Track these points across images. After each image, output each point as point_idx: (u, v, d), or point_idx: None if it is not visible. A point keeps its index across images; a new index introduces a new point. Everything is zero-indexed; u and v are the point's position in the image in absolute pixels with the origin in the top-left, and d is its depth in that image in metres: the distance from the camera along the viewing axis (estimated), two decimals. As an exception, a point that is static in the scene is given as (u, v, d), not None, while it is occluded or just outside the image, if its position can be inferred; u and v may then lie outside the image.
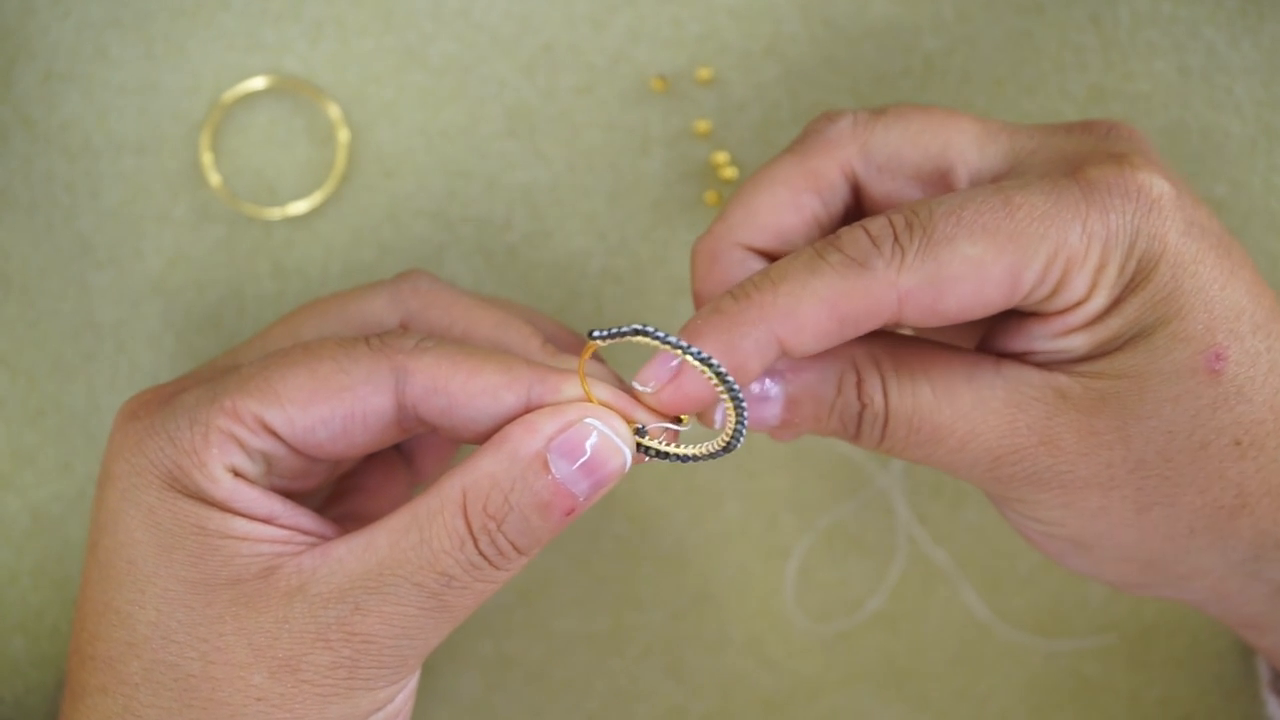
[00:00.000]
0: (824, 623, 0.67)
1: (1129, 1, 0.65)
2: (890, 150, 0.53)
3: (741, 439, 0.50)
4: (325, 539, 0.50)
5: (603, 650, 0.67)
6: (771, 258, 0.54)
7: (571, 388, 0.50)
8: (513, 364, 0.50)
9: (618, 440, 0.49)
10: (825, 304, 0.49)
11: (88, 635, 0.50)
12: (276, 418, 0.49)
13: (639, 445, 0.50)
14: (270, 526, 0.49)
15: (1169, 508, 0.51)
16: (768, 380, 0.51)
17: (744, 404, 0.49)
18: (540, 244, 0.66)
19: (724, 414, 0.50)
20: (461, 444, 0.60)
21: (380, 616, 0.48)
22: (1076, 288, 0.49)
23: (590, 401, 0.49)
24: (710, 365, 0.48)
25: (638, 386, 0.50)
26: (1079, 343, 0.50)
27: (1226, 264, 0.50)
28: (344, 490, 0.58)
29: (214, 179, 0.65)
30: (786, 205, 0.53)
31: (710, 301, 0.50)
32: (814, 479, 0.67)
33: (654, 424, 0.50)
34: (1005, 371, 0.51)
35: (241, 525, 0.49)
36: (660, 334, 0.48)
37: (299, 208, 0.65)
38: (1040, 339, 0.51)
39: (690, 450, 0.50)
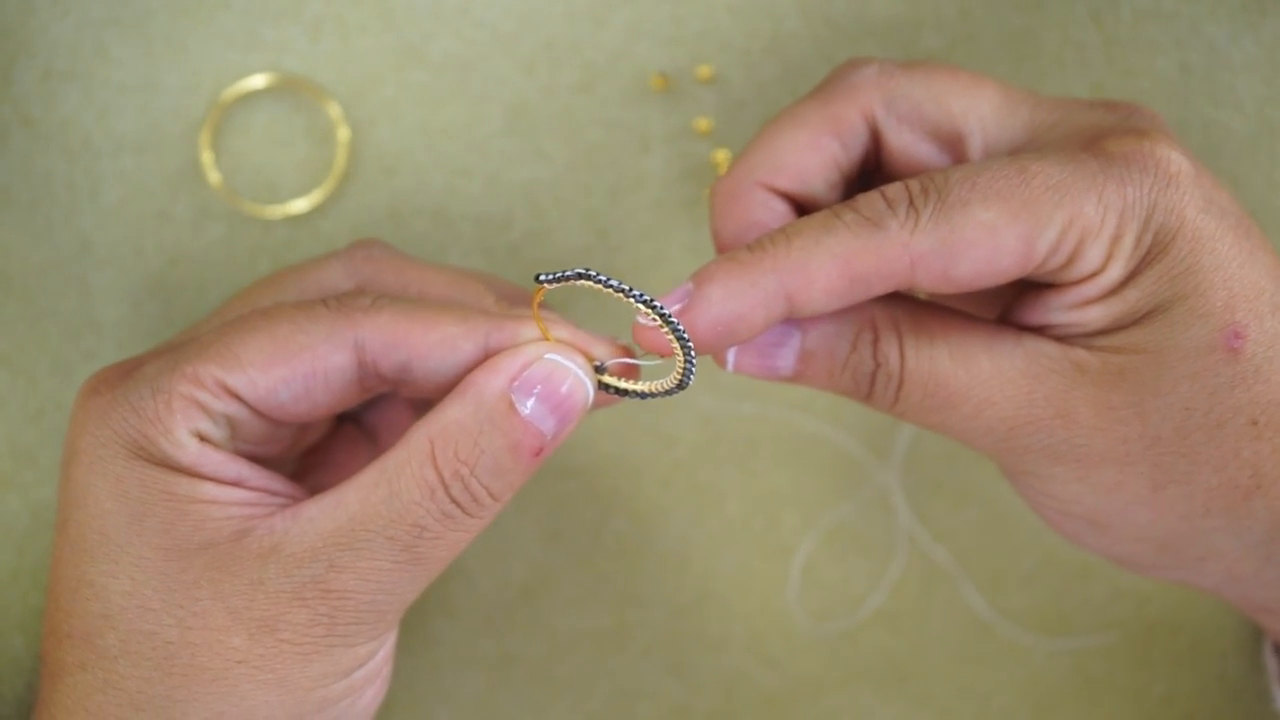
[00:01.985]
0: (826, 621, 0.67)
1: (1130, -2, 0.66)
2: (912, 103, 0.53)
3: (691, 378, 0.50)
4: (295, 499, 0.50)
5: (605, 648, 0.67)
6: (791, 199, 0.54)
7: (528, 331, 0.50)
8: (469, 314, 0.50)
9: (579, 372, 0.49)
10: (838, 260, 0.49)
11: (62, 613, 0.50)
12: (238, 380, 0.50)
13: (598, 383, 0.51)
14: (239, 489, 0.49)
15: (1184, 486, 0.51)
16: (786, 327, 0.52)
17: (690, 344, 0.49)
18: (541, 242, 0.66)
19: (735, 347, 0.51)
20: (421, 405, 0.61)
21: (355, 572, 0.48)
22: (1092, 258, 0.49)
23: (547, 339, 0.50)
24: (653, 307, 0.48)
25: (641, 321, 0.50)
26: (1096, 315, 0.50)
27: (1246, 244, 0.50)
28: (308, 466, 0.59)
29: (214, 177, 0.65)
30: (807, 147, 0.53)
31: (729, 252, 0.51)
32: (815, 477, 0.66)
33: (612, 360, 0.51)
34: (1025, 342, 0.51)
35: (210, 489, 0.49)
36: (603, 278, 0.48)
37: (299, 206, 0.65)
38: (1057, 311, 0.51)
39: (644, 387, 0.51)
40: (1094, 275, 0.50)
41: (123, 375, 0.51)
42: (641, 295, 0.48)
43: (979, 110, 0.53)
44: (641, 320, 0.50)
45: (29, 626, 0.65)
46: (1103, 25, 0.66)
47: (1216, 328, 0.49)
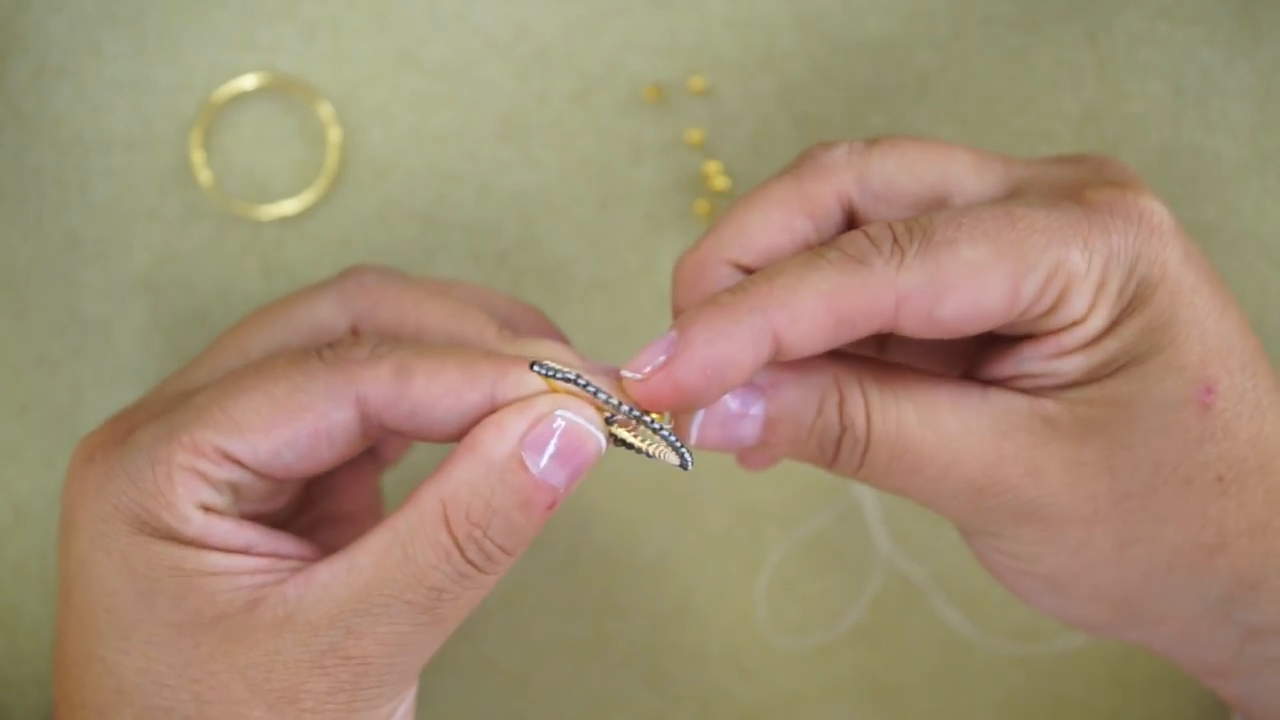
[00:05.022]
0: (802, 636, 0.67)
1: (1125, 22, 0.65)
2: (886, 178, 0.52)
3: (690, 464, 0.49)
4: (305, 560, 0.49)
5: (582, 658, 0.67)
6: None
7: (534, 380, 0.48)
8: (473, 361, 0.49)
9: (590, 427, 0.48)
10: (823, 298, 0.48)
11: (74, 684, 0.49)
12: (239, 447, 0.48)
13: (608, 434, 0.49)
14: (248, 557, 0.48)
15: (1150, 544, 0.50)
16: (748, 395, 0.50)
17: (680, 445, 0.49)
18: (530, 250, 0.66)
19: (699, 422, 0.50)
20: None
21: (374, 638, 0.47)
22: (1077, 305, 0.49)
23: (556, 392, 0.48)
24: (642, 421, 0.48)
25: (627, 374, 0.49)
26: (1073, 366, 0.49)
27: (1219, 299, 0.50)
28: (313, 496, 0.58)
29: (204, 177, 0.65)
30: (778, 226, 0.52)
31: (710, 297, 0.49)
32: (798, 493, 0.66)
33: (620, 415, 0.49)
34: (991, 398, 0.50)
35: (219, 560, 0.48)
36: (593, 389, 0.48)
37: (289, 207, 0.65)
38: (1032, 361, 0.50)
39: (651, 449, 0.49)
40: (1076, 324, 0.49)
41: (117, 441, 0.49)
42: (620, 404, 0.48)
43: (954, 173, 0.52)
44: (620, 396, 0.49)
45: (8, 622, 0.65)
46: (1097, 47, 0.66)
47: (1190, 381, 0.49)
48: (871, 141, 0.53)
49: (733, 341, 0.47)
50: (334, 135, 0.65)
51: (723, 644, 0.67)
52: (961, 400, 0.50)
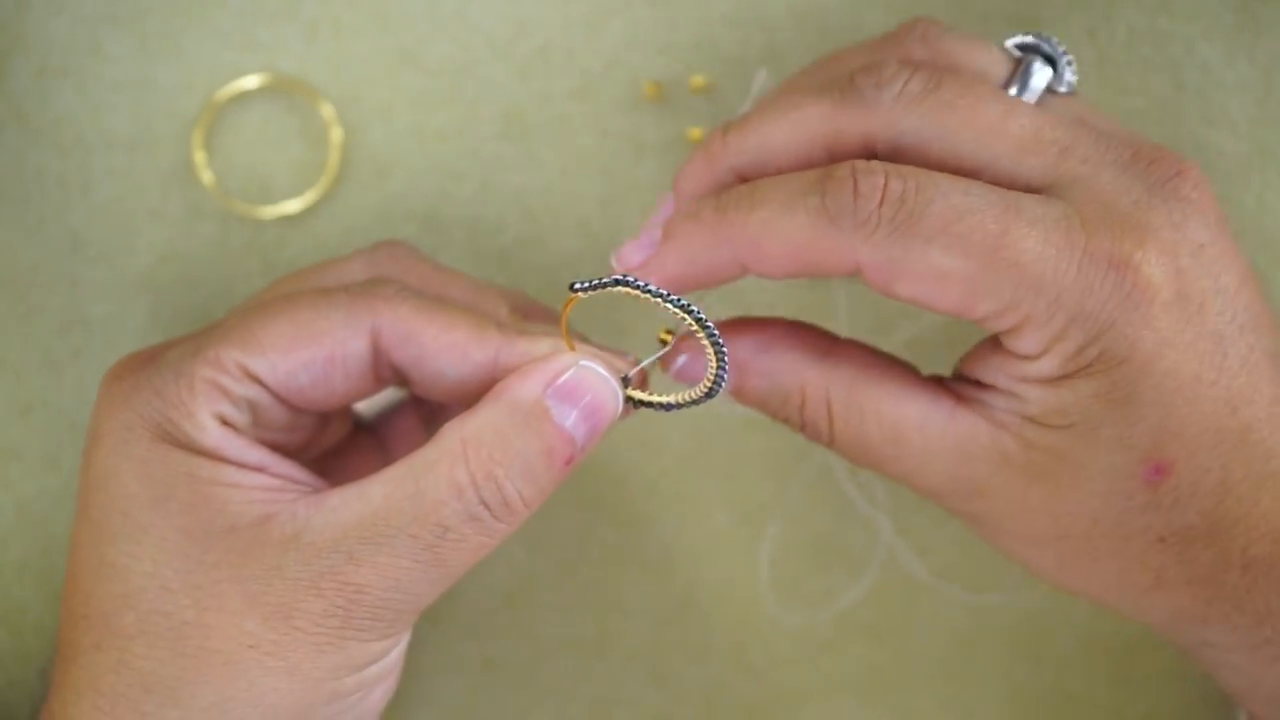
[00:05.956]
0: (807, 631, 0.67)
1: (1125, 17, 0.65)
2: (920, 141, 0.51)
3: (723, 385, 0.50)
4: (318, 488, 0.51)
5: (587, 655, 0.67)
6: None
7: (540, 347, 0.51)
8: (484, 325, 0.51)
9: (611, 381, 0.50)
10: (789, 245, 0.50)
11: (81, 596, 0.50)
12: (259, 364, 0.50)
13: (624, 397, 0.51)
14: (262, 475, 0.50)
15: (1087, 574, 0.52)
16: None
17: (724, 349, 0.50)
18: (532, 248, 0.66)
19: (696, 362, 0.53)
20: (429, 418, 0.61)
21: (373, 567, 0.48)
22: (1028, 343, 0.49)
23: (571, 350, 0.51)
24: (690, 312, 0.49)
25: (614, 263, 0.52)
26: (1033, 397, 0.50)
27: (1210, 372, 0.49)
28: (324, 472, 0.58)
29: (206, 177, 0.65)
30: (800, 155, 0.53)
31: (696, 206, 0.52)
32: (801, 490, 0.67)
33: (635, 369, 0.51)
34: (958, 420, 0.51)
35: (233, 473, 0.49)
36: (640, 283, 0.49)
37: (291, 207, 0.65)
38: (1001, 375, 0.51)
39: (672, 399, 0.51)
40: (1029, 358, 0.49)
41: (145, 361, 0.51)
42: (679, 300, 0.49)
43: (994, 151, 0.51)
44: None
45: (12, 621, 0.65)
46: (1098, 43, 0.66)
47: (1138, 459, 0.49)
48: (929, 88, 0.51)
49: (701, 264, 0.52)
50: (335, 135, 0.65)
51: (726, 641, 0.67)
52: (928, 420, 0.51)
